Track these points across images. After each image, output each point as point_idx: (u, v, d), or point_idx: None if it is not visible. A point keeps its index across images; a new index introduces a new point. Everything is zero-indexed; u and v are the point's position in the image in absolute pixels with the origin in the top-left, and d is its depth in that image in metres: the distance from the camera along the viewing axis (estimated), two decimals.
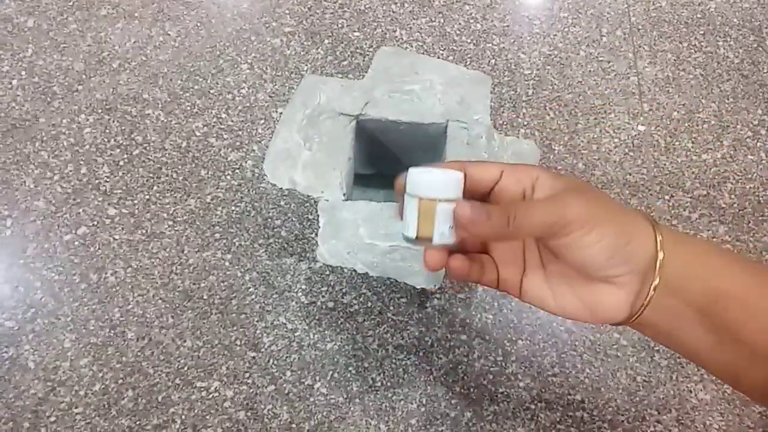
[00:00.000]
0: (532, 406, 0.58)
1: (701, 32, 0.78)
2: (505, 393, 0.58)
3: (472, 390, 0.58)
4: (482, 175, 0.32)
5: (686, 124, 0.72)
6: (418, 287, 0.60)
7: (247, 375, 0.58)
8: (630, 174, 0.69)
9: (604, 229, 0.29)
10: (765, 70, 0.76)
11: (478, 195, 0.33)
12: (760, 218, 0.67)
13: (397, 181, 0.34)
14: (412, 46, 0.75)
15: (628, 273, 0.30)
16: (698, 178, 0.69)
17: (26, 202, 0.64)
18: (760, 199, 0.68)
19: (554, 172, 0.32)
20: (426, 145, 0.56)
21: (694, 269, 0.30)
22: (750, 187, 0.68)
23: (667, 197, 0.68)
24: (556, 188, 0.31)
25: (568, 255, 0.30)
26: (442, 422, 0.57)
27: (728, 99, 0.74)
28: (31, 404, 0.56)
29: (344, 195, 0.50)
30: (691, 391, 0.59)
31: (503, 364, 0.59)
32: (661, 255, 0.30)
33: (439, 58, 0.73)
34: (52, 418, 0.56)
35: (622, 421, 0.58)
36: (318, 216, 0.64)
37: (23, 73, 0.70)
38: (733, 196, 0.68)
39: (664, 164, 0.69)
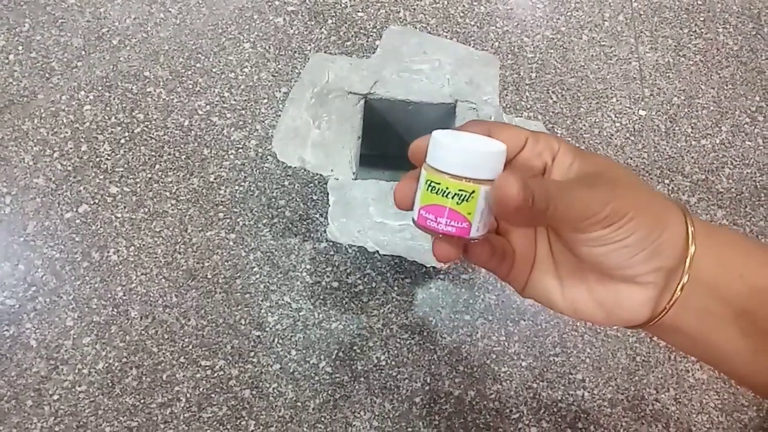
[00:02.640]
0: (534, 385, 0.59)
1: (701, 19, 0.79)
2: (508, 372, 0.59)
3: (475, 369, 0.59)
4: (509, 141, 0.27)
5: (686, 110, 0.73)
6: (428, 266, 0.61)
7: (252, 354, 0.58)
8: (631, 158, 0.69)
9: (633, 223, 0.24)
10: (763, 58, 0.77)
11: None
12: (757, 203, 0.68)
13: (416, 145, 0.27)
14: (416, 27, 0.74)
15: (654, 271, 0.26)
16: (697, 163, 0.70)
17: (26, 180, 0.63)
18: (757, 183, 0.69)
19: (573, 145, 0.28)
20: (433, 125, 0.56)
21: (732, 264, 0.27)
22: (747, 172, 0.70)
23: (666, 181, 0.68)
24: (574, 168, 0.27)
25: (585, 251, 0.26)
26: (446, 401, 0.57)
27: (727, 85, 0.74)
28: (33, 382, 0.56)
29: (354, 173, 0.50)
30: (688, 371, 0.60)
31: (506, 344, 0.60)
32: (692, 249, 0.26)
33: None
34: (55, 397, 0.55)
35: (622, 399, 0.59)
36: (323, 196, 0.64)
37: (20, 48, 0.69)
38: (731, 181, 0.69)
39: (664, 149, 0.70)
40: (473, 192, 0.24)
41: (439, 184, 0.24)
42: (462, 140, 0.25)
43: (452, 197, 0.24)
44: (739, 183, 0.69)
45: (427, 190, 0.25)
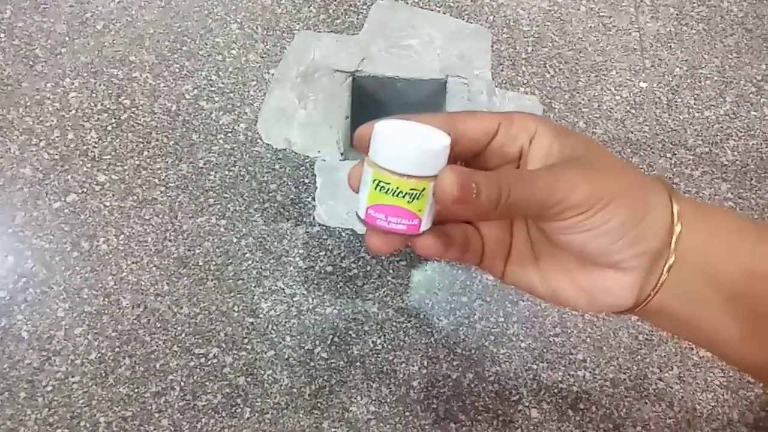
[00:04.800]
0: (534, 366, 0.57)
1: None
2: (507, 354, 0.58)
3: (473, 351, 0.58)
4: (477, 130, 0.26)
5: (688, 81, 0.70)
6: None
7: (246, 341, 0.57)
8: (632, 132, 0.67)
9: (612, 209, 0.24)
10: None
11: (468, 155, 0.27)
12: (762, 175, 0.66)
13: (360, 133, 0.25)
14: (407, 3, 0.72)
15: (638, 255, 0.25)
16: (701, 135, 0.68)
17: (12, 170, 0.62)
18: (763, 155, 0.67)
19: (553, 124, 0.26)
20: (424, 102, 0.55)
21: (722, 244, 0.26)
22: (753, 144, 0.67)
23: (669, 155, 0.66)
24: (554, 151, 0.26)
25: (563, 240, 0.25)
26: (444, 384, 0.56)
27: (731, 54, 0.72)
28: (26, 374, 0.55)
29: (342, 154, 0.49)
30: (692, 349, 0.59)
31: (504, 325, 0.59)
32: (678, 228, 0.25)
33: None
34: (49, 388, 0.55)
35: (624, 379, 0.57)
36: (314, 179, 0.63)
37: (2, 35, 0.67)
38: (735, 153, 0.67)
39: (666, 121, 0.68)
40: (424, 189, 0.24)
41: (389, 184, 0.24)
42: (407, 134, 0.24)
43: (403, 196, 0.24)
44: (744, 155, 0.67)
45: (376, 189, 0.24)
